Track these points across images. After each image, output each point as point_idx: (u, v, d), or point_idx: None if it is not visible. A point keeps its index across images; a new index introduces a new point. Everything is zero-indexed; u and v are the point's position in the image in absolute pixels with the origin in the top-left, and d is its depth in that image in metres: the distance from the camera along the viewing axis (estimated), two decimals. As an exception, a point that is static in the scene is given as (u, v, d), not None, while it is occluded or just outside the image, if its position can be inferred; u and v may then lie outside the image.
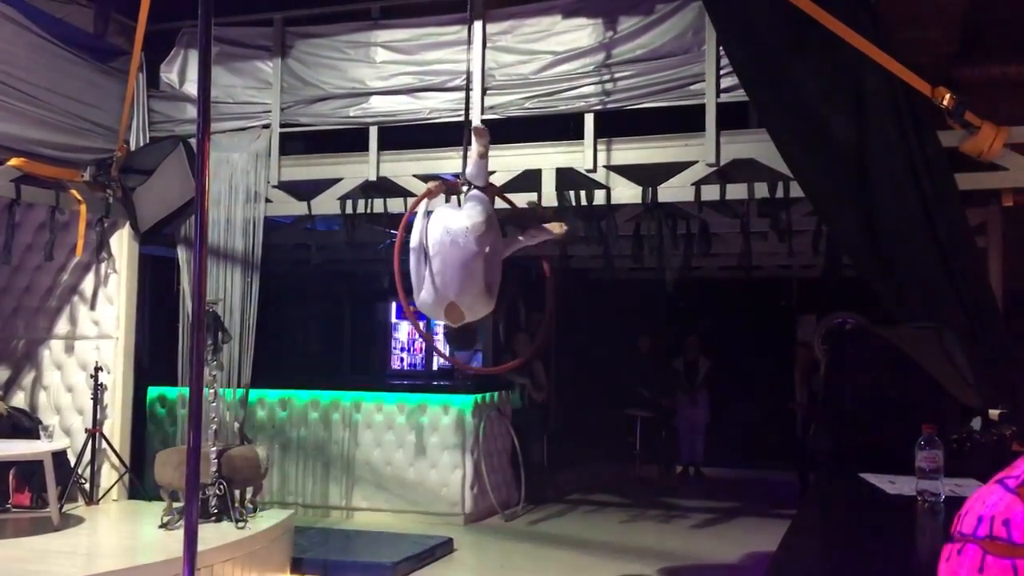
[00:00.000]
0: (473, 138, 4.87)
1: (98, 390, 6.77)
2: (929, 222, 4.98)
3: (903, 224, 5.01)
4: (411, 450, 8.27)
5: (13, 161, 6.07)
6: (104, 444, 6.84)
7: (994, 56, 5.80)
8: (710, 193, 6.20)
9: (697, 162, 6.11)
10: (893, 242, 5.03)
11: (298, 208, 7.18)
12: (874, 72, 5.01)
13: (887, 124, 5.06)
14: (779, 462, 10.23)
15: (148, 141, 7.11)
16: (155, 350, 8.96)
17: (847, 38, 4.87)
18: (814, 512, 3.14)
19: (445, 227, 4.54)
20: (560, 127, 6.58)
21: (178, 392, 7.68)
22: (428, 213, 4.65)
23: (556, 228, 5.04)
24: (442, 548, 6.98)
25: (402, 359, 12.82)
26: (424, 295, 4.55)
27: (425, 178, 6.75)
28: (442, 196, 5.03)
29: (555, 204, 6.50)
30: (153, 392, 8.65)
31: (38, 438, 6.19)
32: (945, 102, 5.05)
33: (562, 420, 10.66)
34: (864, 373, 4.10)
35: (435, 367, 12.66)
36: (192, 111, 7.14)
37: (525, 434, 8.96)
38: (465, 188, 4.82)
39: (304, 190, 7.12)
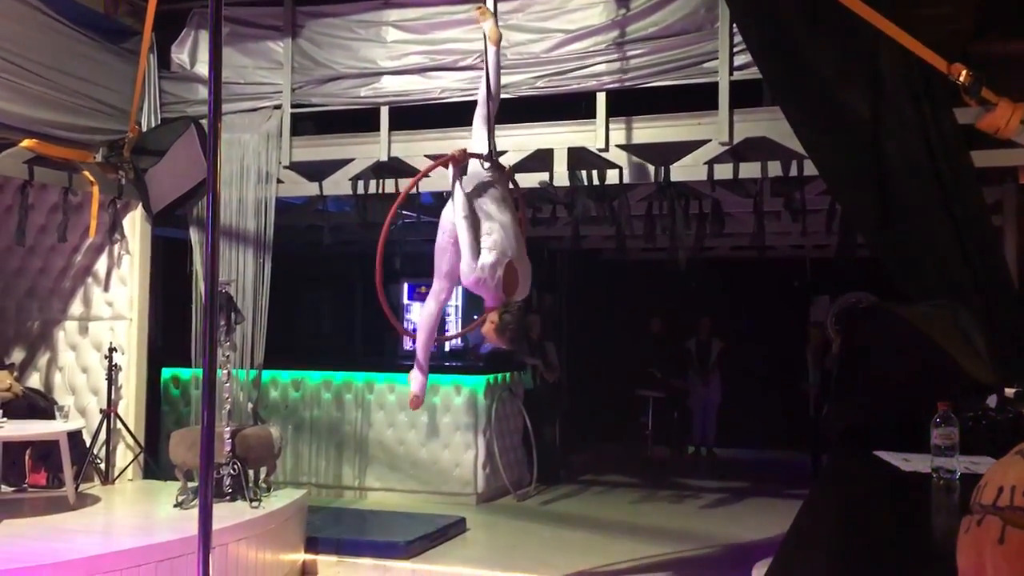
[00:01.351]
0: (484, 26, 4.86)
1: (112, 371, 6.82)
2: (944, 200, 4.93)
3: (918, 202, 4.96)
4: (424, 430, 8.30)
5: (26, 142, 6.09)
6: (119, 424, 6.90)
7: (1011, 32, 5.72)
8: (723, 172, 6.17)
9: (710, 141, 6.06)
10: (908, 220, 4.98)
11: (310, 189, 7.19)
12: (889, 48, 4.95)
13: (902, 101, 5.00)
14: (791, 443, 10.23)
15: (160, 122, 7.12)
16: (168, 331, 9.00)
17: (862, 14, 4.81)
18: (828, 490, 3.13)
19: (495, 196, 4.64)
20: (572, 106, 6.54)
21: (191, 372, 7.72)
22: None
23: None
24: (455, 528, 7.02)
25: (414, 340, 12.82)
26: (480, 260, 4.38)
27: (436, 158, 6.72)
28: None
29: (567, 184, 6.48)
30: (167, 373, 8.71)
31: (53, 418, 6.23)
32: (961, 79, 4.98)
33: (574, 401, 10.67)
34: (878, 351, 4.08)
35: (447, 348, 12.67)
36: (203, 92, 7.13)
37: (537, 415, 8.98)
38: (486, 164, 4.84)
39: (315, 171, 7.12)
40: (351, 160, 6.98)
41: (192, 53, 7.30)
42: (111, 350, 6.86)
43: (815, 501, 2.88)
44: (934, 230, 4.91)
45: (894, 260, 5.08)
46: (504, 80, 6.40)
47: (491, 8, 5.21)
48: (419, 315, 4.91)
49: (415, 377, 4.94)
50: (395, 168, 6.90)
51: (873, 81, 5.04)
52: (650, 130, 6.25)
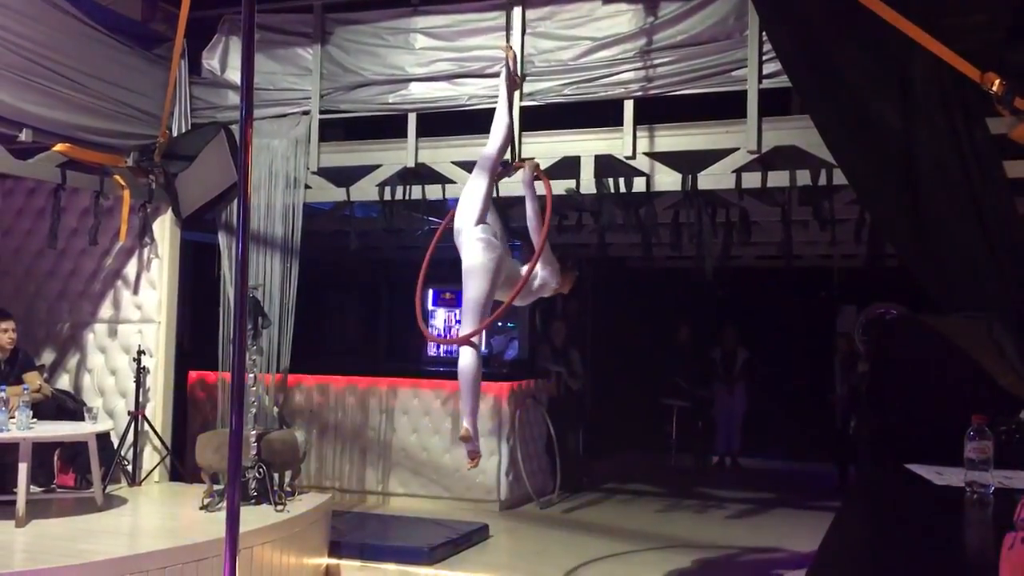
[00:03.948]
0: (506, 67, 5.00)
1: (141, 373, 6.88)
2: (976, 211, 4.88)
3: (950, 213, 4.91)
4: (447, 436, 8.30)
5: (58, 147, 6.16)
6: (146, 426, 6.96)
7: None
8: (751, 181, 6.13)
9: (738, 149, 6.03)
10: (939, 231, 4.93)
11: (337, 194, 7.22)
12: (921, 57, 4.91)
13: (934, 110, 4.95)
14: (817, 454, 10.14)
15: (190, 127, 7.18)
16: (195, 334, 9.07)
17: (894, 23, 4.77)
18: (860, 503, 3.10)
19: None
20: (599, 114, 6.53)
21: (218, 376, 7.76)
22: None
23: None
24: (478, 534, 7.01)
25: (438, 345, 12.85)
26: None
27: (463, 165, 6.75)
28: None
29: (594, 192, 6.47)
30: (194, 376, 8.77)
31: (82, 420, 6.29)
32: (994, 88, 4.92)
33: (598, 409, 10.64)
34: (910, 363, 4.03)
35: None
36: (233, 97, 7.19)
37: (561, 422, 8.95)
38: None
39: (343, 176, 7.15)
40: (378, 166, 7.00)
41: (223, 59, 7.37)
42: (139, 353, 6.93)
43: (846, 515, 2.85)
44: (966, 241, 4.85)
45: (925, 271, 5.03)
46: (532, 87, 6.46)
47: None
48: (461, 370, 4.58)
49: (472, 438, 4.70)
50: (422, 174, 6.92)
51: (905, 90, 5.00)
52: (677, 138, 6.23)
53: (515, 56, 5.00)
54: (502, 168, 5.20)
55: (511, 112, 5.18)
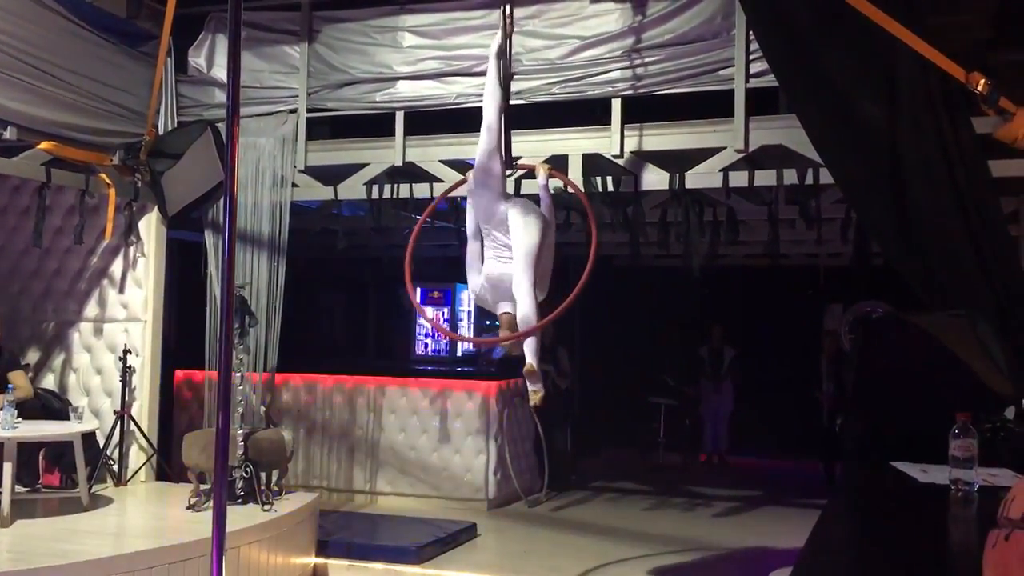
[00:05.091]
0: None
1: (126, 372, 6.84)
2: (961, 209, 4.90)
3: (935, 211, 4.93)
4: (435, 435, 8.30)
5: (43, 144, 6.11)
6: (132, 426, 6.92)
7: (1030, 41, 5.69)
8: (738, 179, 6.15)
9: (725, 148, 6.05)
10: (925, 229, 4.95)
11: (324, 193, 7.20)
12: (907, 57, 4.93)
13: (920, 110, 4.97)
14: (804, 451, 10.19)
15: (176, 125, 7.15)
16: (182, 333, 9.03)
17: (880, 22, 4.79)
18: (845, 501, 3.11)
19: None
20: (587, 112, 6.54)
21: (205, 375, 7.74)
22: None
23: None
24: (465, 533, 7.01)
25: (426, 344, 12.86)
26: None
27: (451, 163, 6.74)
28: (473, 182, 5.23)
29: (581, 190, 6.48)
30: (180, 375, 8.74)
31: (68, 419, 6.25)
32: (979, 88, 4.94)
33: (586, 407, 10.67)
34: (895, 361, 4.05)
35: (459, 353, 12.69)
36: (219, 95, 7.17)
37: (549, 421, 8.96)
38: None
39: (330, 175, 7.14)
40: (366, 165, 6.99)
41: (209, 57, 7.34)
42: (125, 352, 6.89)
43: (832, 512, 2.86)
44: (951, 239, 4.88)
45: (910, 269, 5.05)
46: (519, 86, 6.45)
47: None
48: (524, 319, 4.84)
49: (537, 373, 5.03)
50: (410, 173, 6.91)
51: (890, 89, 5.01)
52: (665, 137, 6.25)
53: (512, 14, 5.16)
54: (508, 162, 5.25)
55: (509, 56, 5.26)
